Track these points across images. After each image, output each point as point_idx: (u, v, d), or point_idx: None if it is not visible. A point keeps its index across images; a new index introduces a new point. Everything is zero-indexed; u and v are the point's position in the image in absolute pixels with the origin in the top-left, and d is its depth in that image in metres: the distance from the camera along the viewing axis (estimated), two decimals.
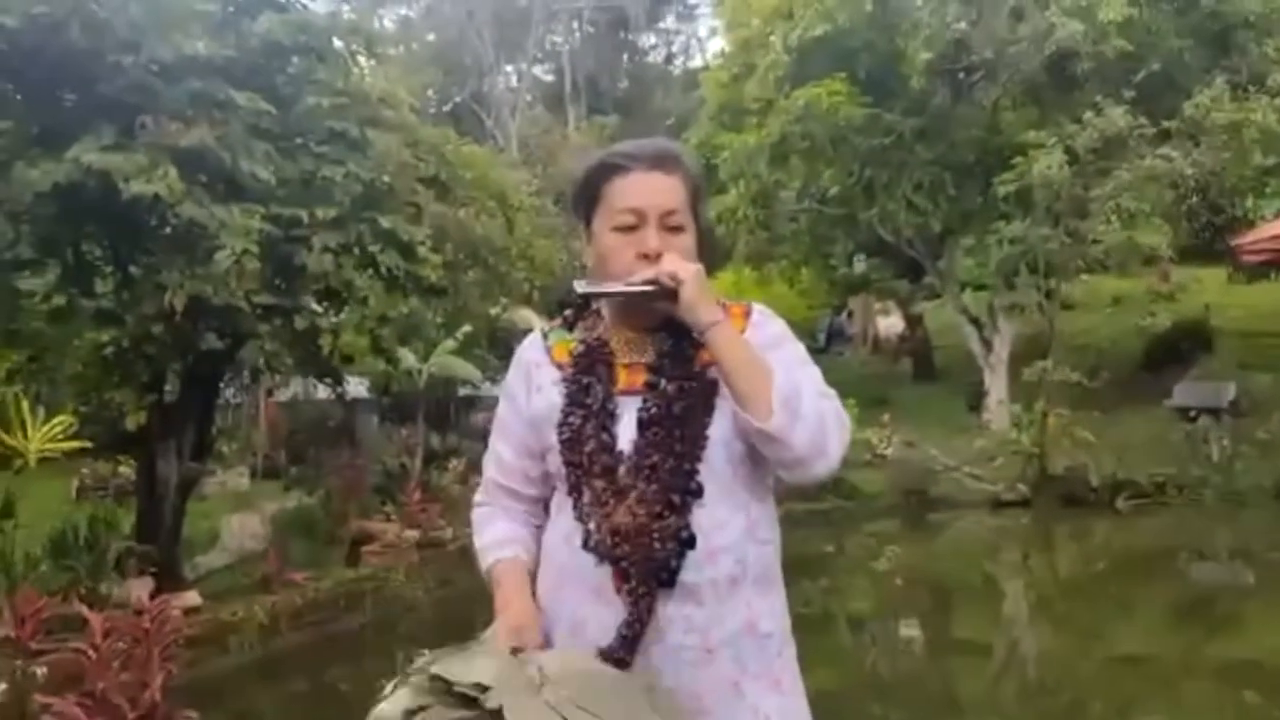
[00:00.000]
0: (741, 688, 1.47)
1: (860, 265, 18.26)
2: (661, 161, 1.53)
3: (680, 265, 1.45)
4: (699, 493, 1.46)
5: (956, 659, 6.70)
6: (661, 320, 1.51)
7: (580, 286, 1.52)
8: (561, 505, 1.55)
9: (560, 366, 1.56)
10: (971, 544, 11.00)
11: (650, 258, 1.48)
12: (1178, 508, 11.05)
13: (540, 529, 1.62)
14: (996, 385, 14.51)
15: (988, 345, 14.73)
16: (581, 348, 1.55)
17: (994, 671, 6.35)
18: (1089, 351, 14.80)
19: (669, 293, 1.44)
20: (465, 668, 1.32)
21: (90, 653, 3.42)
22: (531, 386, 1.58)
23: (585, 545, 1.48)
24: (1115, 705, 5.24)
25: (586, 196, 1.56)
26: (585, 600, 1.48)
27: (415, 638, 7.43)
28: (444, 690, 1.30)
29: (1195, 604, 8.13)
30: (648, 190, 1.51)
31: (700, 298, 1.45)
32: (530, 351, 1.62)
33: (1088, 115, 11.79)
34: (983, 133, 14.29)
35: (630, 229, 1.50)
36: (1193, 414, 12.37)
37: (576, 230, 1.64)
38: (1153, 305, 15.21)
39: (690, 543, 1.44)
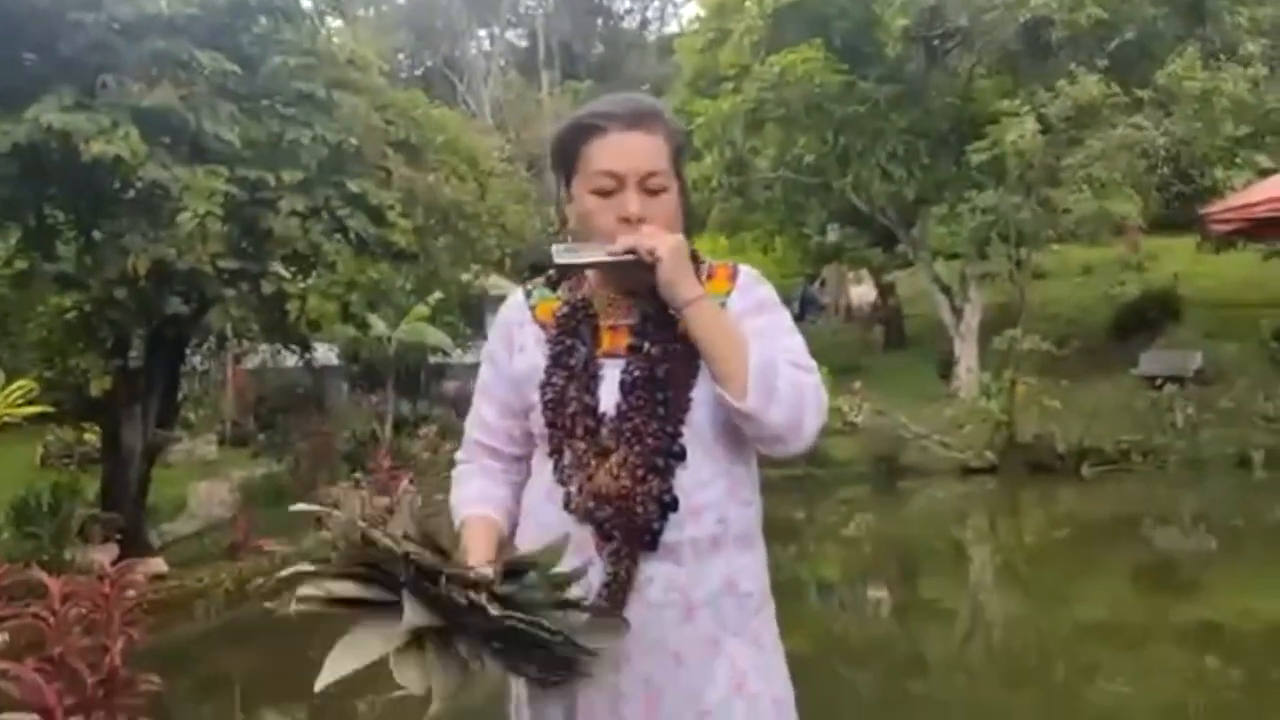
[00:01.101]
0: (721, 645, 1.47)
1: (834, 234, 18.27)
2: (640, 120, 1.49)
3: (659, 239, 1.42)
4: (682, 456, 1.45)
5: (924, 623, 6.77)
6: (643, 283, 1.48)
7: (559, 256, 1.49)
8: (542, 464, 1.53)
9: (544, 326, 1.54)
10: (940, 510, 11.11)
11: (631, 222, 1.45)
12: (1142, 474, 11.20)
13: (521, 487, 1.60)
14: (966, 353, 14.60)
15: (958, 314, 14.81)
16: (565, 308, 1.53)
17: (961, 635, 6.43)
18: (1058, 320, 14.94)
19: (648, 265, 1.42)
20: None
21: (49, 618, 3.40)
22: (514, 346, 1.56)
23: (566, 506, 1.46)
24: (1079, 667, 5.32)
25: (565, 158, 1.53)
26: (566, 558, 1.44)
27: None
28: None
29: (1158, 569, 8.26)
30: (626, 152, 1.47)
31: (678, 274, 1.42)
32: (513, 311, 1.60)
33: (1061, 83, 11.80)
34: (957, 100, 14.29)
35: (609, 192, 1.47)
36: (1159, 382, 12.52)
37: (550, 196, 1.60)
38: (1122, 274, 15.35)
39: (672, 506, 1.43)
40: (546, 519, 1.49)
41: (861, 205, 15.24)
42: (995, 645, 6.25)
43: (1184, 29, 13.24)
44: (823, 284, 22.94)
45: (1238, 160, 12.90)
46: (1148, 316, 15.37)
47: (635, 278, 1.47)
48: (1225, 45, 12.76)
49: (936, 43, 14.33)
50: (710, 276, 1.54)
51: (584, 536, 1.45)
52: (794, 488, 10.23)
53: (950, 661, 5.67)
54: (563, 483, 1.48)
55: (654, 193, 1.48)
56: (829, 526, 10.40)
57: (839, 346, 17.41)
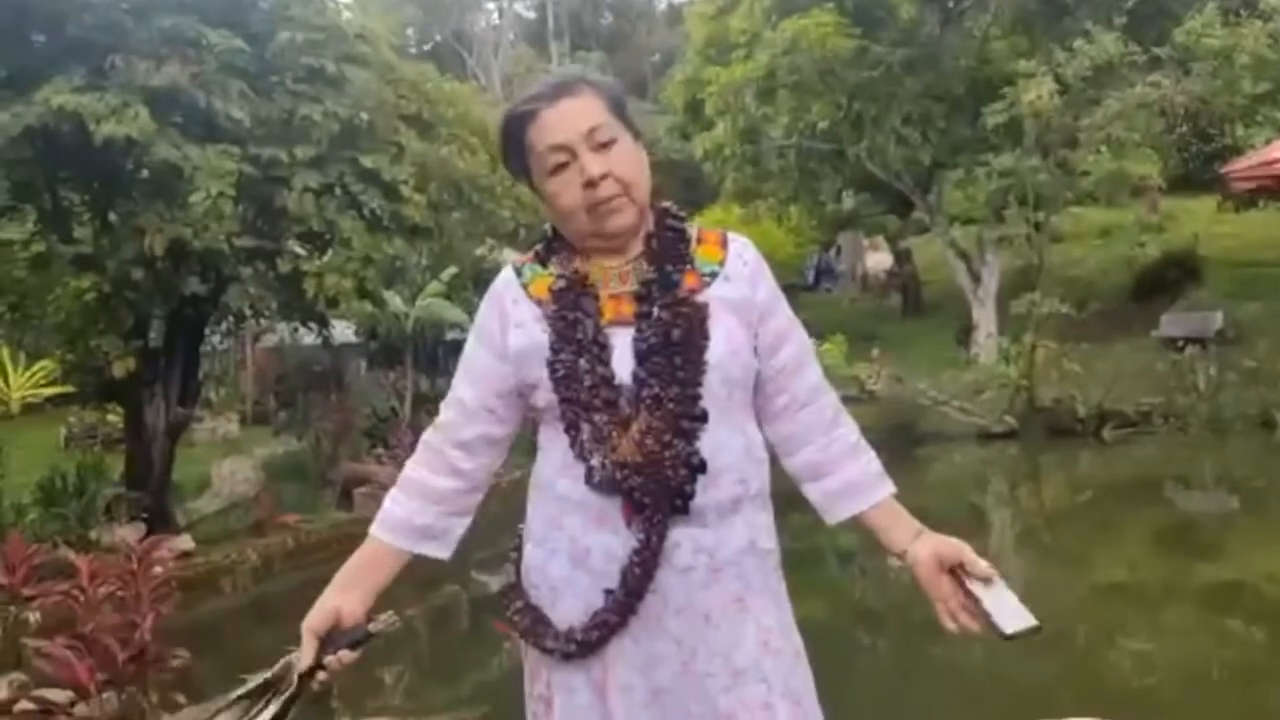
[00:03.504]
0: (746, 603, 1.50)
1: (848, 201, 18.15)
2: (562, 90, 1.50)
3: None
4: (704, 418, 1.46)
5: None
6: (634, 238, 1.51)
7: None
8: (553, 440, 1.52)
9: (540, 303, 1.52)
10: (960, 476, 11.08)
11: (595, 183, 1.45)
12: (1164, 437, 11.14)
13: (473, 493, 1.59)
14: (985, 319, 14.52)
15: (976, 279, 14.70)
16: (562, 282, 1.52)
17: None
18: (1077, 283, 14.81)
19: None
20: None
21: (79, 596, 3.45)
22: (509, 323, 1.54)
23: (589, 481, 1.46)
24: (1102, 631, 5.31)
25: (517, 157, 1.53)
26: (589, 529, 1.47)
27: (407, 577, 7.48)
28: None
29: (1180, 531, 8.22)
30: (561, 122, 1.47)
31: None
32: (506, 288, 1.57)
33: (1078, 43, 11.64)
34: (972, 63, 14.12)
35: (564, 166, 1.47)
36: (1180, 344, 12.42)
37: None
38: (1141, 236, 15.19)
39: (701, 467, 1.45)
40: (565, 492, 1.49)
41: (877, 171, 15.12)
42: None
43: None
44: (838, 252, 22.82)
45: (1258, 118, 12.72)
46: (1168, 278, 15.23)
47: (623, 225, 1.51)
48: (1244, 0, 12.54)
49: (951, 4, 14.15)
50: (700, 242, 1.55)
51: (607, 508, 1.45)
52: None
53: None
54: (583, 457, 1.46)
55: (605, 146, 1.48)
56: None
57: (856, 314, 17.35)
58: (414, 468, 1.59)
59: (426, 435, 1.62)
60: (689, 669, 1.46)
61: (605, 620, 1.45)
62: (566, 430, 1.49)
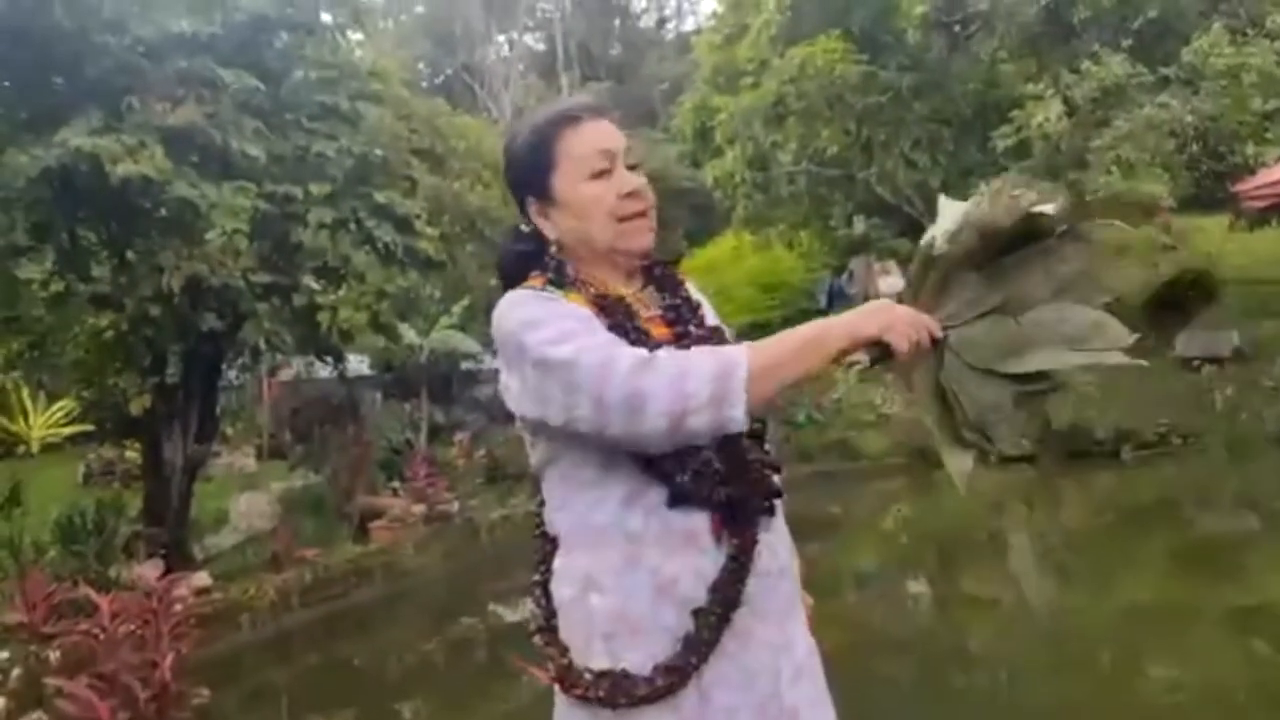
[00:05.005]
0: (794, 603, 1.56)
1: (859, 225, 18.17)
2: (602, 109, 1.55)
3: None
4: (766, 422, 1.52)
5: (965, 613, 6.72)
6: (644, 264, 1.56)
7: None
8: (609, 472, 1.42)
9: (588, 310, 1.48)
10: (977, 500, 11.01)
11: (637, 193, 1.49)
12: (1183, 457, 11.05)
13: None
14: None
15: None
16: (604, 300, 1.49)
17: (1003, 624, 6.37)
18: None
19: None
20: None
21: (99, 634, 3.45)
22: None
23: (673, 502, 1.40)
24: (1124, 654, 5.26)
25: (542, 160, 1.50)
26: (673, 556, 1.41)
27: (425, 610, 7.49)
28: None
29: (1201, 552, 8.14)
30: (608, 132, 1.51)
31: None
32: (545, 292, 1.49)
33: (1086, 65, 11.68)
34: (980, 86, 14.19)
35: (605, 174, 1.49)
36: (1196, 363, 12.35)
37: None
38: (1155, 256, 15.12)
39: (778, 468, 1.51)
40: (639, 528, 1.41)
41: (886, 195, 15.16)
42: (1039, 634, 6.19)
43: (1208, 4, 13.06)
44: (850, 276, 22.80)
45: (1268, 136, 12.71)
46: (1182, 297, 15.13)
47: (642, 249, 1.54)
48: (1251, 18, 12.58)
49: (957, 28, 14.22)
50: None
51: (694, 529, 1.41)
52: (826, 482, 10.18)
53: (994, 652, 5.63)
54: (664, 480, 1.41)
55: (634, 167, 1.52)
56: (864, 519, 10.35)
57: None
58: (668, 363, 1.34)
59: (624, 376, 1.33)
60: (773, 670, 1.48)
61: (703, 639, 1.41)
62: (637, 457, 1.40)
